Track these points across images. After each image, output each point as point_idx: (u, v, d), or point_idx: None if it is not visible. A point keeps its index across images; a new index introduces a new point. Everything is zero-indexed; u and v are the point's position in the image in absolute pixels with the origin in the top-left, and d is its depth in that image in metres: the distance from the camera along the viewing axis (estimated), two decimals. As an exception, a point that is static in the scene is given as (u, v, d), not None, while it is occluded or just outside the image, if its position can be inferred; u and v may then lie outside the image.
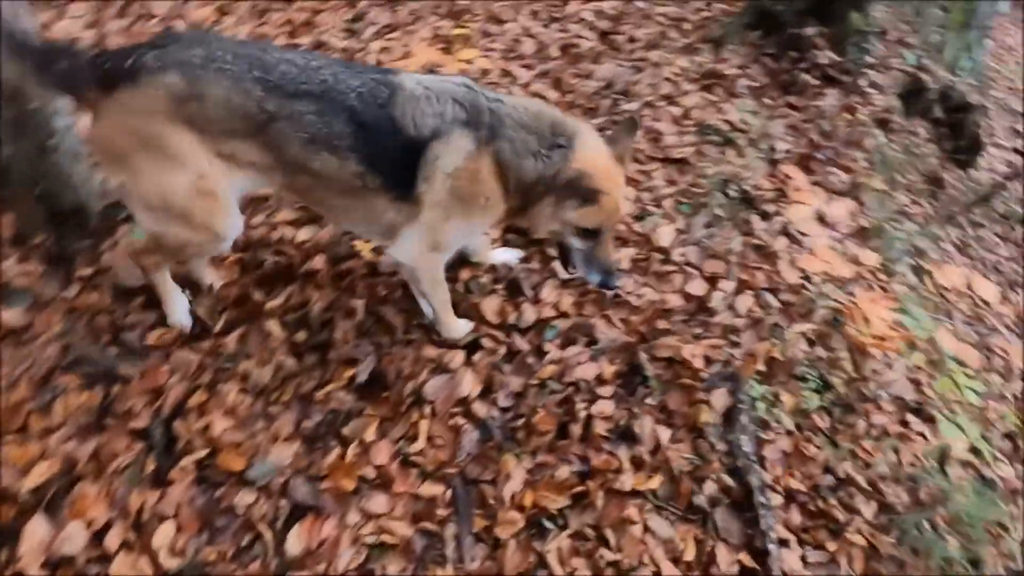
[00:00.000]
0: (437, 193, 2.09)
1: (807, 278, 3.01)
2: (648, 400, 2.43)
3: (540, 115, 2.14)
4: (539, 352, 2.53)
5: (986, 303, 3.50)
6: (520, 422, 2.34)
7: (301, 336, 2.46)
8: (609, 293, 2.67)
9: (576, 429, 2.32)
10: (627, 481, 2.20)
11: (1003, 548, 2.62)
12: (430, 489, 2.15)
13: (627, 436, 2.34)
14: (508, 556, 2.03)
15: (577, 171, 2.05)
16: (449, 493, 2.16)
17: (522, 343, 2.54)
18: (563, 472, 2.23)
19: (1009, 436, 3.51)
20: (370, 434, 2.23)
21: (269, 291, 2.56)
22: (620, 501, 2.18)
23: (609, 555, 2.07)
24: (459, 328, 2.51)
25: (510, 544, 2.05)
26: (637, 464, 2.28)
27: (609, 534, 2.11)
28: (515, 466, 2.23)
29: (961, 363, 3.08)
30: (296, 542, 1.97)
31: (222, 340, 2.40)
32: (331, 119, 1.98)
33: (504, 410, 2.38)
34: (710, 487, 2.25)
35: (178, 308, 2.41)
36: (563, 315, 2.64)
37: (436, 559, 2.03)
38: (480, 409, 2.35)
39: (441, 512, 2.10)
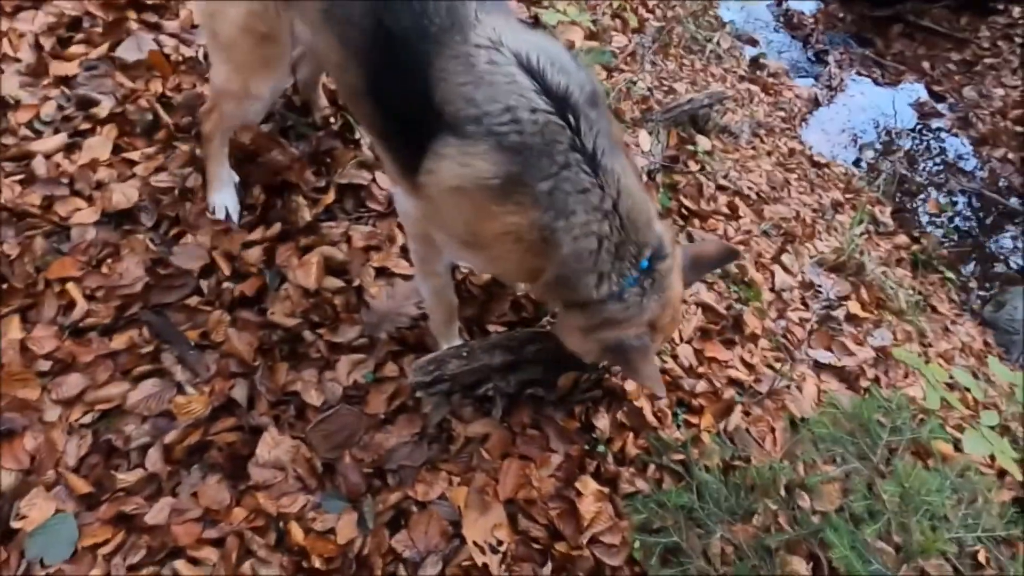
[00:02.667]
0: (435, 199, 1.51)
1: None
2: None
3: (636, 211, 1.48)
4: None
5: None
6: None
7: None
8: None
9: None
10: (305, 213, 2.17)
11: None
12: (123, 339, 1.91)
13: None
14: (236, 341, 1.94)
15: (644, 329, 1.53)
16: (146, 329, 1.94)
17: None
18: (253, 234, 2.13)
19: (616, 15, 3.94)
20: (16, 331, 1.86)
21: None
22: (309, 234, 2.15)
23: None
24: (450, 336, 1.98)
25: (230, 332, 1.95)
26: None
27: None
28: (198, 267, 2.04)
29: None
30: (4, 476, 1.69)
31: None
32: (355, 7, 1.46)
33: (156, 227, 2.11)
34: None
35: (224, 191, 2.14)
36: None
37: (171, 390, 1.88)
38: (135, 241, 2.04)
39: (148, 349, 1.91)
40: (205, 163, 2.13)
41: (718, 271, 2.56)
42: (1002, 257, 5.86)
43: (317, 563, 1.69)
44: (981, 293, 5.15)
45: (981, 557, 2.02)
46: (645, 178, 2.72)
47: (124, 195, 2.11)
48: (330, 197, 2.21)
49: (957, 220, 6.05)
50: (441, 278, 1.88)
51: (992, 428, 1.97)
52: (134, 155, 2.22)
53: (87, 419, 1.79)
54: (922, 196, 5.64)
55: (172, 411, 1.83)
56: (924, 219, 5.74)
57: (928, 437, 1.62)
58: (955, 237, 5.86)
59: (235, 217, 2.16)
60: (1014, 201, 6.13)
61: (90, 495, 1.69)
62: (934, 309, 3.64)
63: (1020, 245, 6.05)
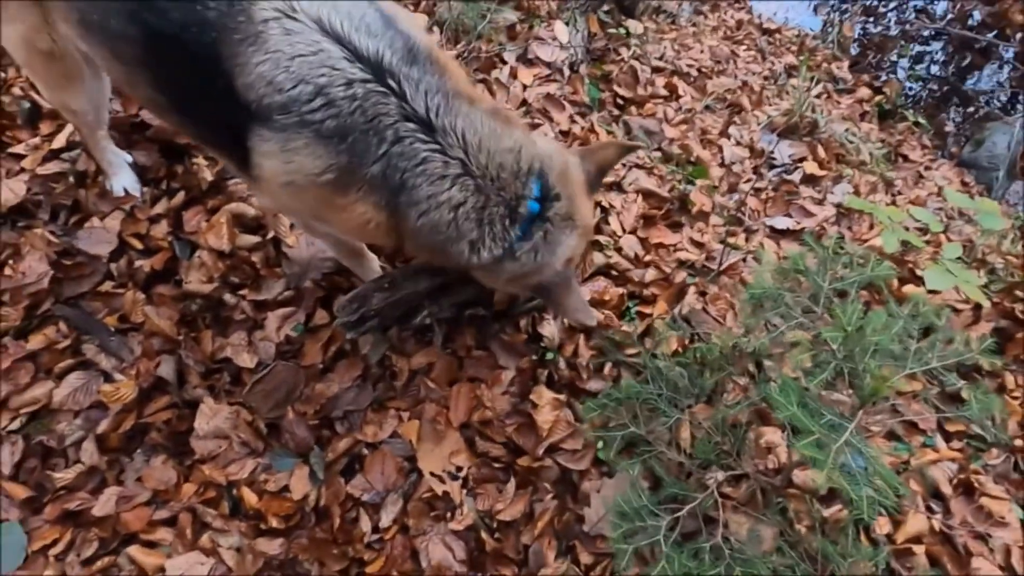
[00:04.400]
0: (276, 195, 1.39)
1: None
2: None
3: (496, 165, 1.34)
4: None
5: None
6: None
7: None
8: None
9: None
10: (207, 174, 2.01)
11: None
12: (39, 338, 1.83)
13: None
14: (156, 318, 1.85)
15: (559, 268, 1.46)
16: (62, 324, 1.86)
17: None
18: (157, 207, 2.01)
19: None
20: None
21: None
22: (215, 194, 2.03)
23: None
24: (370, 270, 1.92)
25: (148, 311, 1.86)
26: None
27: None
28: (102, 250, 1.94)
29: None
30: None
31: None
32: (110, 11, 1.24)
33: (54, 218, 2.00)
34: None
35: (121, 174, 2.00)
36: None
37: (98, 379, 1.81)
38: (33, 237, 1.93)
39: (67, 343, 1.83)
40: (92, 155, 2.00)
41: (658, 155, 2.43)
42: (980, 97, 5.64)
43: (275, 523, 1.65)
44: (961, 136, 4.97)
45: (965, 395, 1.95)
46: (568, 72, 2.55)
47: (13, 191, 1.99)
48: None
49: (931, 66, 5.80)
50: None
51: (956, 260, 1.86)
52: (19, 148, 2.09)
53: (15, 425, 1.73)
54: (893, 48, 5.37)
55: (102, 400, 1.77)
56: (900, 72, 5.50)
57: (874, 277, 1.51)
58: (929, 84, 5.63)
59: (137, 193, 2.05)
60: (990, 36, 5.84)
61: (32, 499, 1.64)
62: (905, 158, 3.48)
63: (997, 81, 5.81)
